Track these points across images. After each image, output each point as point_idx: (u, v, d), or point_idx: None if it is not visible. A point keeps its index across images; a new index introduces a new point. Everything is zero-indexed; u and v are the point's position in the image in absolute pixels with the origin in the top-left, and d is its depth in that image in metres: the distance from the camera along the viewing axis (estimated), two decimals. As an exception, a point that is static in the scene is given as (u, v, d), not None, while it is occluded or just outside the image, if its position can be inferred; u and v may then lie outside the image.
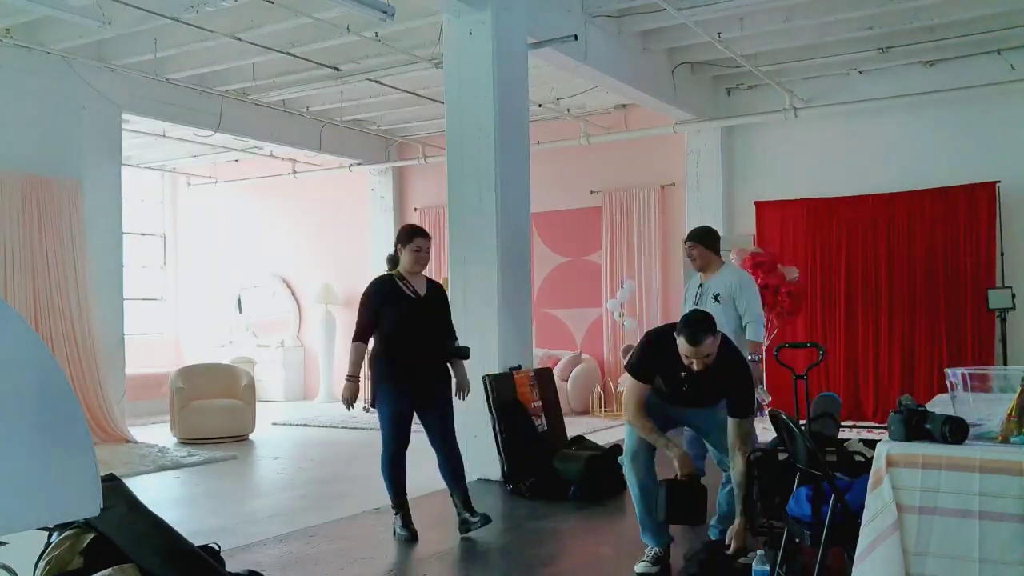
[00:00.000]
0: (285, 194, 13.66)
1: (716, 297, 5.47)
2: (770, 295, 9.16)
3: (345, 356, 5.21)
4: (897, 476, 2.74)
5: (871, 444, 3.64)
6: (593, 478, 6.15)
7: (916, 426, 2.80)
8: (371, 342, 5.10)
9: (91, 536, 3.41)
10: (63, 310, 8.84)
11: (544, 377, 7.11)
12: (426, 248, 5.12)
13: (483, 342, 6.73)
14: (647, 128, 10.93)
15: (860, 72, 9.93)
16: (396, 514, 5.15)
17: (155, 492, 6.59)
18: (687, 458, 4.08)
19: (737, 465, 3.99)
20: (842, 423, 9.04)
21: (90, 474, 3.56)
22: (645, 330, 10.93)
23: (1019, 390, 2.77)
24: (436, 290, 5.25)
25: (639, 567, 4.31)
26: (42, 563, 3.37)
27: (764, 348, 5.97)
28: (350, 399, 4.96)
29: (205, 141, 11.66)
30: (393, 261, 5.18)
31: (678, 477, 4.02)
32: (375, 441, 8.99)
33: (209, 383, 9.47)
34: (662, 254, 11.13)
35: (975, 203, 9.25)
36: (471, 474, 6.73)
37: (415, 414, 5.11)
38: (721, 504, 4.58)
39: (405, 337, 5.00)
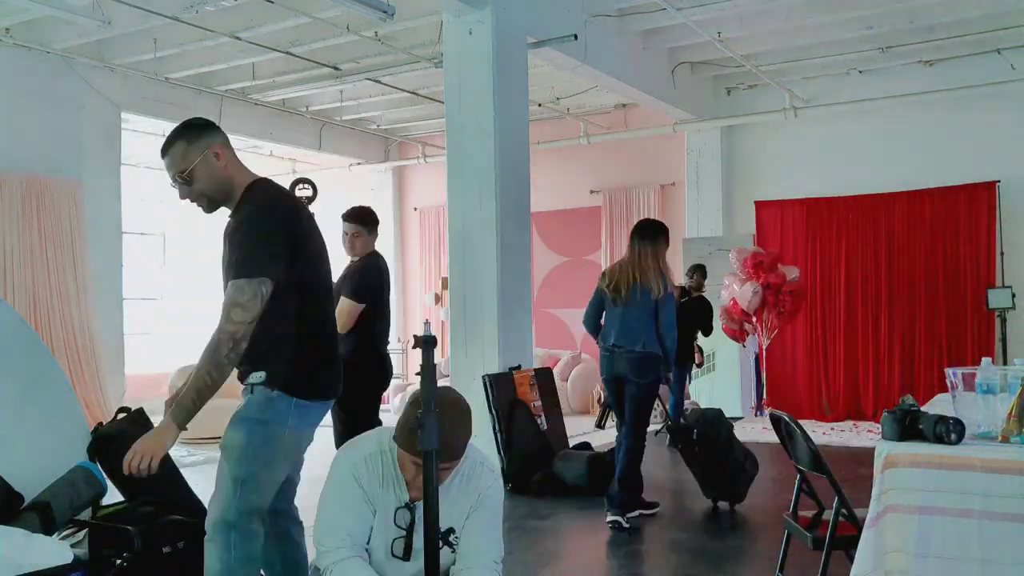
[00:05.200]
0: (285, 194, 13.64)
1: None
2: (771, 294, 9.17)
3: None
4: (897, 476, 2.74)
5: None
6: (594, 478, 6.15)
7: (909, 426, 2.80)
8: None
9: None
10: (63, 310, 8.83)
11: (544, 377, 7.11)
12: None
13: (483, 342, 6.73)
14: (647, 128, 10.92)
15: (860, 72, 9.92)
16: None
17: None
18: None
19: None
20: (841, 422, 9.02)
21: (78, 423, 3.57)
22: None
23: (1019, 390, 2.77)
24: None
25: None
26: None
27: None
28: None
29: (205, 141, 11.64)
30: None
31: None
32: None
33: (209, 383, 9.44)
34: (662, 254, 11.12)
35: (975, 203, 9.25)
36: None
37: None
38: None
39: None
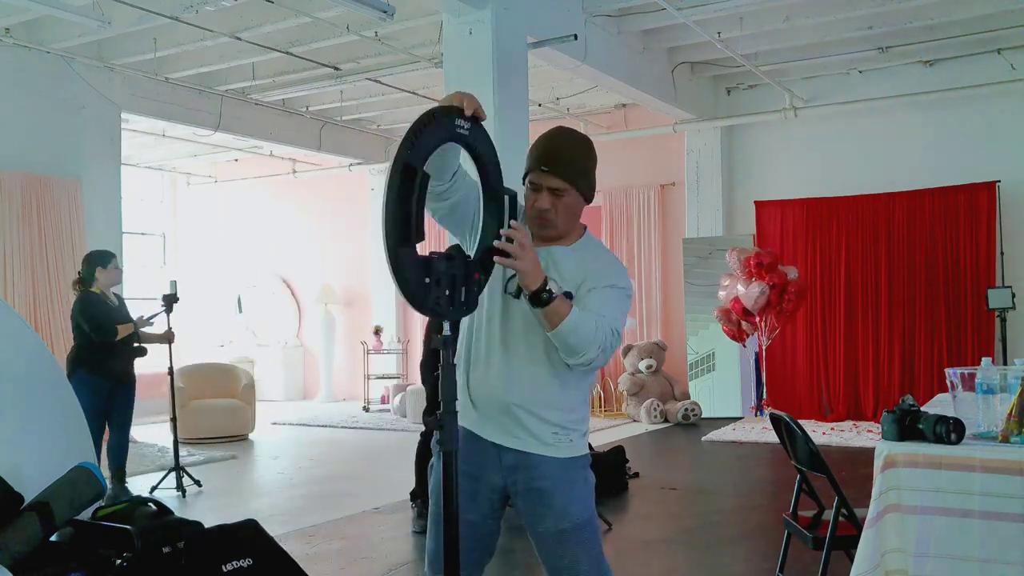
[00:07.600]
0: (285, 194, 13.66)
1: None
2: (775, 294, 9.17)
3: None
4: (897, 476, 2.74)
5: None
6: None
7: (909, 426, 2.81)
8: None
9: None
10: (63, 310, 8.81)
11: (544, 377, 7.08)
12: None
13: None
14: (647, 128, 10.92)
15: (860, 72, 9.93)
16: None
17: (155, 492, 6.59)
18: None
19: None
20: (841, 422, 9.00)
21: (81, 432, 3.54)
22: (646, 330, 11.01)
23: (1019, 390, 2.77)
24: None
25: None
26: None
27: None
28: None
29: (205, 141, 11.65)
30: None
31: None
32: (374, 440, 8.96)
33: (209, 383, 9.46)
34: (662, 254, 11.13)
35: (975, 203, 9.25)
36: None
37: None
38: None
39: None
